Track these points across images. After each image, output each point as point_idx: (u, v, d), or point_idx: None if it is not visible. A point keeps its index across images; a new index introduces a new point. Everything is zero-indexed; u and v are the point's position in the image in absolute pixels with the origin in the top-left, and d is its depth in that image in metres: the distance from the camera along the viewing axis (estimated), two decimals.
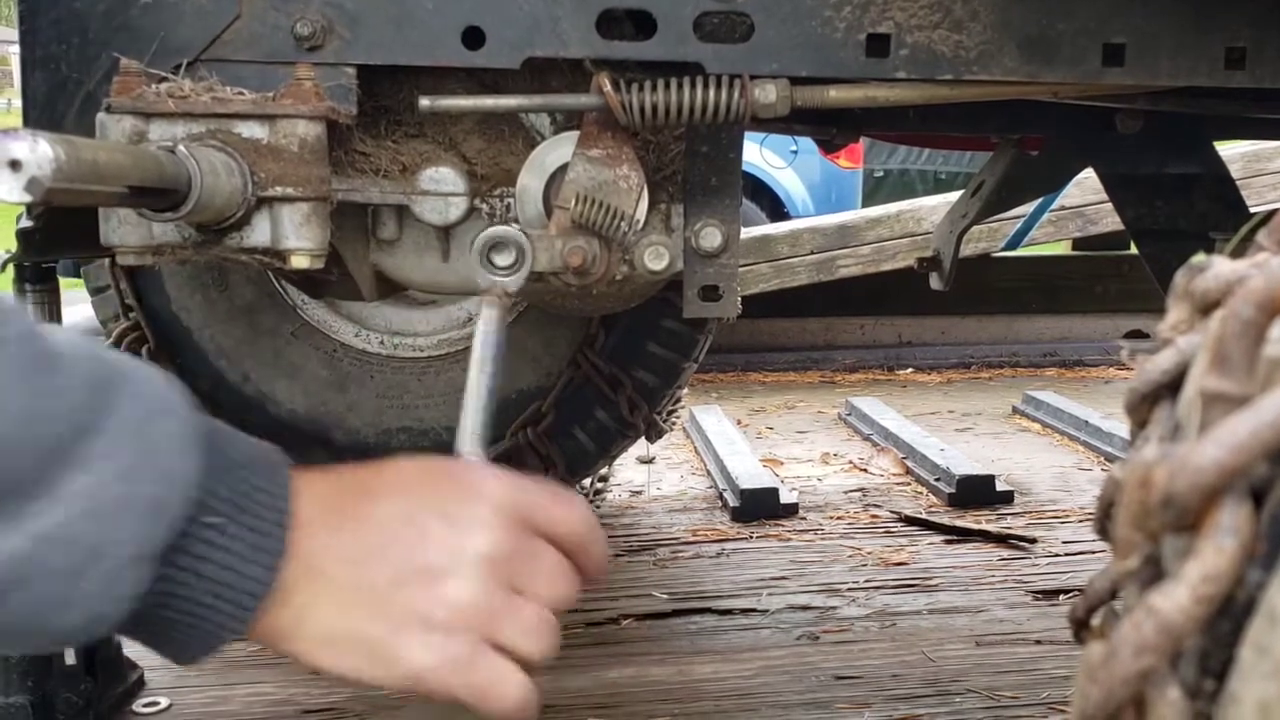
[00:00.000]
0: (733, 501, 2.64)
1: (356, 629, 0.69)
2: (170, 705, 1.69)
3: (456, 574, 0.69)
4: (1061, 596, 2.11)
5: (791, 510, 2.62)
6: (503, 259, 0.86)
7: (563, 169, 1.18)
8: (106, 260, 1.97)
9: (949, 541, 2.45)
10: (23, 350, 0.54)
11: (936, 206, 4.37)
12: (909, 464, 3.02)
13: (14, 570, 0.54)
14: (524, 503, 0.72)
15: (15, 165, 0.71)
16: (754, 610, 2.05)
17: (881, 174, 8.17)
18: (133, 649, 1.82)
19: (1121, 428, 3.18)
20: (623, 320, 2.07)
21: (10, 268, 1.33)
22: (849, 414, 3.68)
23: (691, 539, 2.46)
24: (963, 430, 3.61)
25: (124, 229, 1.06)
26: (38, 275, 1.37)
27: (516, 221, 1.23)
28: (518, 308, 0.94)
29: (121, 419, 0.57)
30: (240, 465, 0.64)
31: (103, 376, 0.57)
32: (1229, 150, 3.99)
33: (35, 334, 0.56)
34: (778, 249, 4.37)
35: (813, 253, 4.39)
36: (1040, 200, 4.24)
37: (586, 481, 2.57)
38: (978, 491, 2.71)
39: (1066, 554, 2.35)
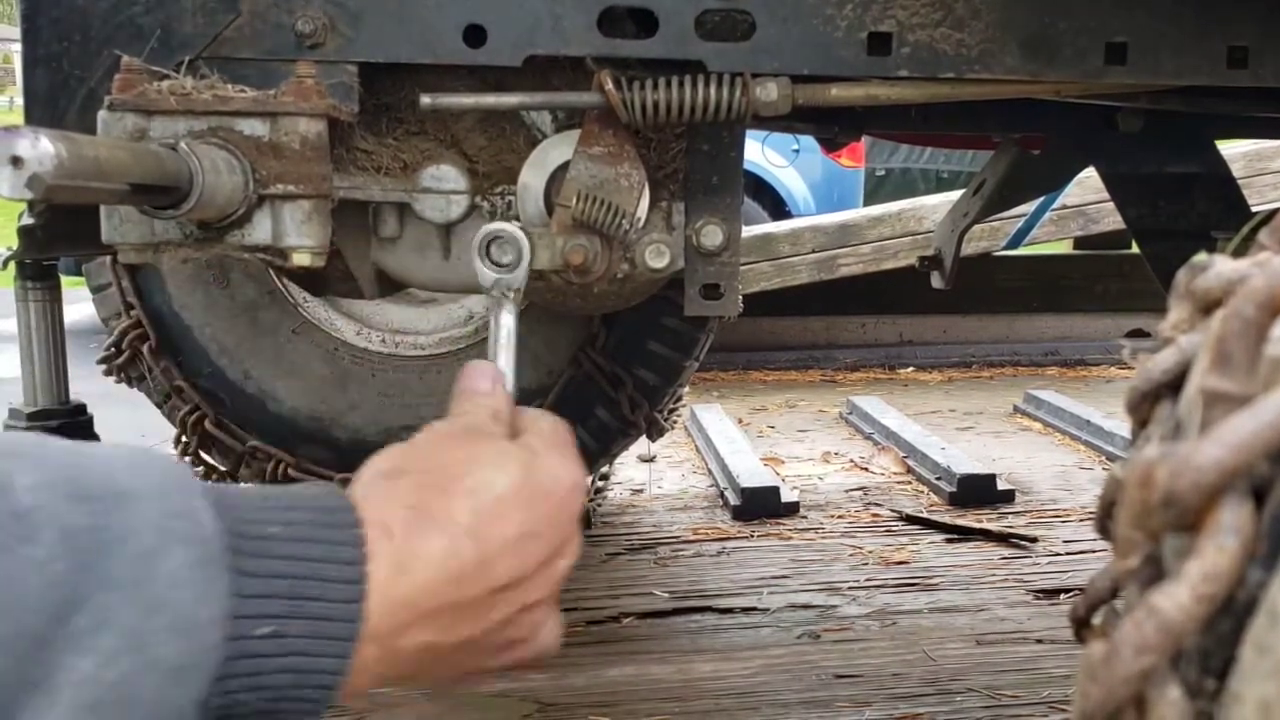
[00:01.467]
0: (734, 500, 2.64)
1: (448, 663, 0.63)
2: None
3: (540, 592, 0.66)
4: (1062, 595, 2.11)
5: (792, 509, 2.62)
6: (503, 255, 0.86)
7: (564, 167, 1.18)
8: (108, 258, 1.97)
9: (950, 540, 2.45)
10: None
11: (938, 205, 4.37)
12: (910, 463, 3.02)
13: None
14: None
15: (17, 162, 0.71)
16: (754, 609, 2.05)
17: (883, 173, 8.17)
18: None
19: (1123, 427, 3.18)
20: (624, 318, 2.06)
21: (12, 265, 1.33)
22: (850, 413, 3.68)
23: (692, 537, 2.46)
24: (964, 429, 3.60)
25: (125, 226, 1.06)
26: (39, 273, 1.37)
27: (517, 219, 1.23)
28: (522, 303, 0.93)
29: (114, 573, 0.48)
30: (293, 543, 0.54)
31: (82, 525, 0.47)
32: (1230, 149, 3.99)
33: None
34: (779, 247, 4.37)
35: (814, 251, 4.38)
36: (1042, 199, 4.24)
37: (588, 480, 2.57)
38: (979, 490, 2.71)
39: (1067, 553, 2.35)
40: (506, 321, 0.84)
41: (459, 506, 0.62)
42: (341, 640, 0.54)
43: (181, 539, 0.50)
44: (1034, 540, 2.41)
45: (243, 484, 0.58)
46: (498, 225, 0.85)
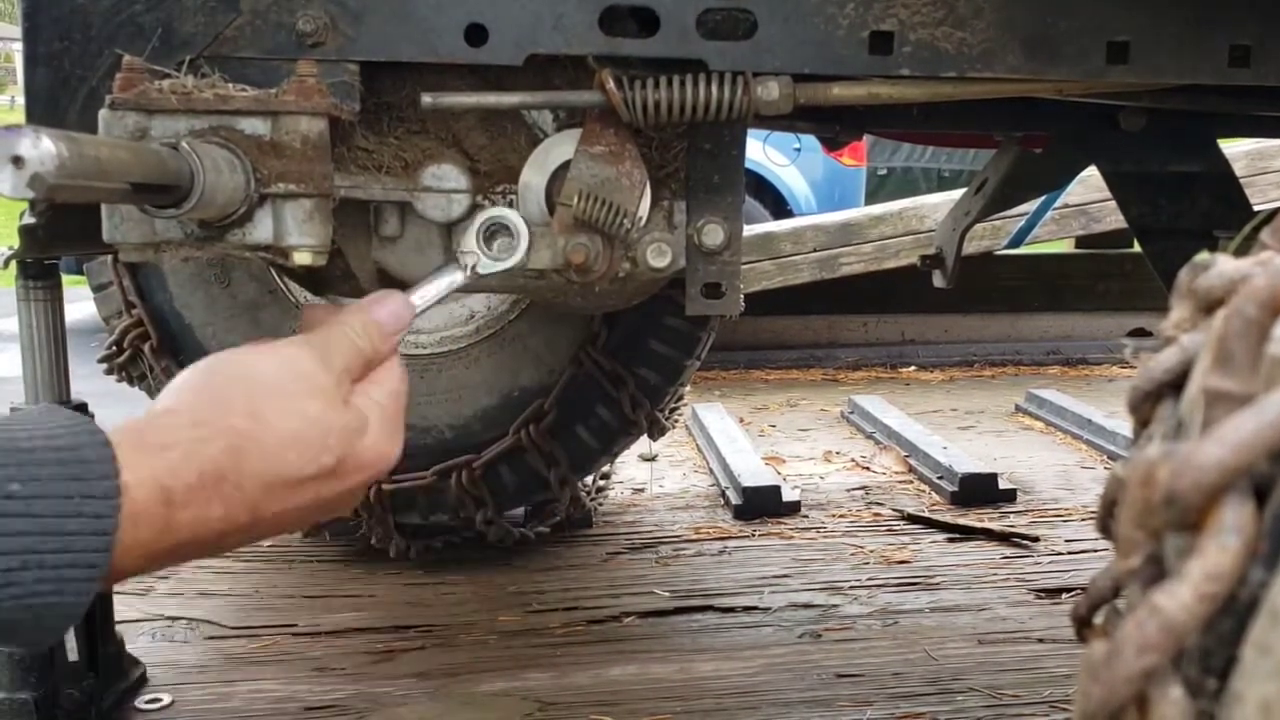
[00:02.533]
0: (735, 499, 2.64)
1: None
2: (172, 702, 1.69)
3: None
4: (1064, 595, 2.11)
5: (794, 508, 2.62)
6: (498, 243, 0.87)
7: (565, 166, 1.18)
8: (109, 257, 1.97)
9: (951, 540, 2.45)
10: None
11: (939, 204, 4.37)
12: (911, 462, 3.02)
13: None
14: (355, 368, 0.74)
15: (18, 161, 0.71)
16: (756, 608, 2.05)
17: (885, 172, 8.17)
18: (135, 646, 1.83)
19: (1124, 426, 3.18)
20: (625, 318, 2.06)
21: (13, 264, 1.33)
22: (851, 412, 3.68)
23: (694, 537, 2.46)
24: (965, 428, 3.60)
25: (126, 225, 1.06)
26: (40, 272, 1.37)
27: None
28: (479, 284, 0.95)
29: None
30: (25, 504, 0.58)
31: None
32: (1232, 148, 3.99)
33: None
34: (781, 246, 4.37)
35: (816, 250, 4.38)
36: (1043, 198, 4.24)
37: (589, 479, 2.58)
38: (980, 490, 2.71)
39: (1069, 552, 2.35)
40: (450, 281, 0.86)
41: (253, 479, 0.67)
42: (82, 582, 0.59)
43: None
44: (1036, 540, 2.41)
45: (9, 422, 0.61)
46: (505, 213, 0.86)
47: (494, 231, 0.87)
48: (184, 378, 0.72)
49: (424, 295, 0.85)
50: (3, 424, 0.60)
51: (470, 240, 0.88)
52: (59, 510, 0.59)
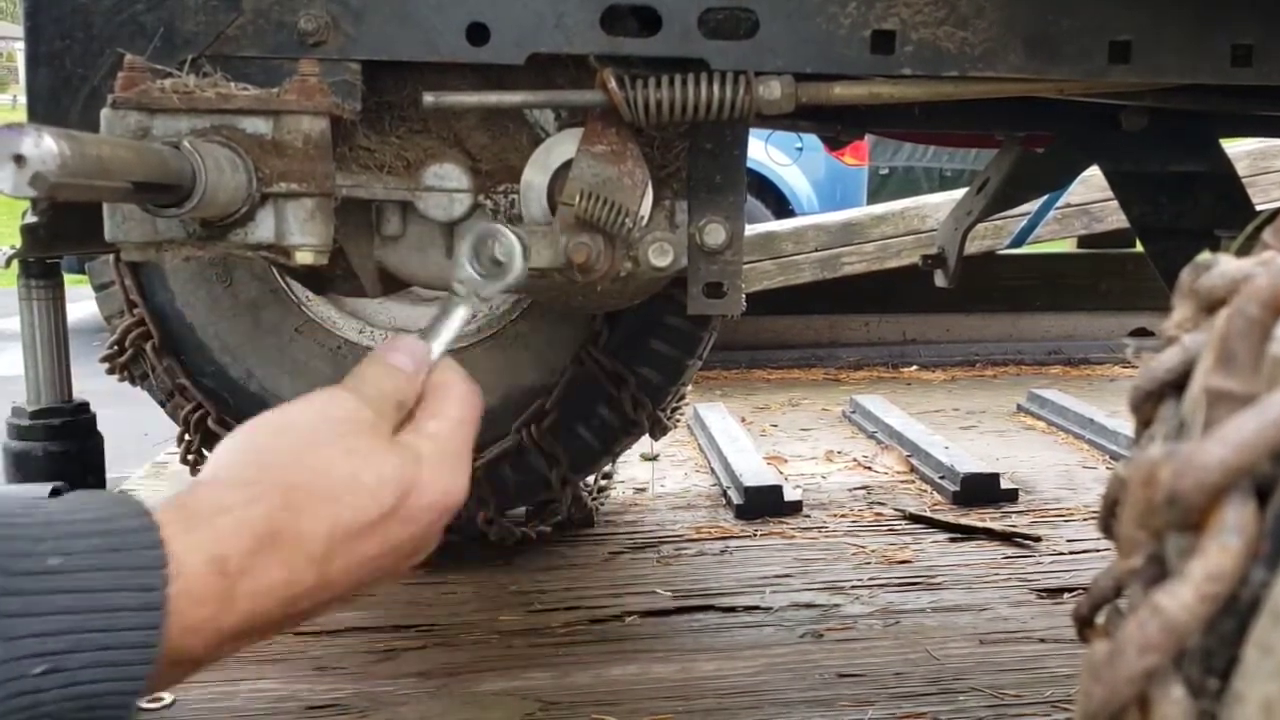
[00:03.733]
0: (736, 499, 2.64)
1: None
2: (174, 701, 1.69)
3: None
4: (1065, 595, 2.11)
5: (795, 508, 2.62)
6: (490, 259, 0.81)
7: (567, 165, 1.18)
8: (110, 256, 1.97)
9: (953, 540, 2.44)
10: None
11: (941, 204, 4.37)
12: (913, 462, 3.02)
13: None
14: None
15: (20, 160, 0.71)
16: (757, 608, 2.05)
17: (886, 171, 8.16)
18: None
19: (1126, 426, 3.18)
20: (627, 317, 2.06)
21: (15, 264, 1.33)
22: (853, 412, 3.68)
23: (695, 536, 2.46)
24: (967, 428, 3.60)
25: (128, 225, 1.06)
26: (42, 271, 1.37)
27: (520, 218, 1.23)
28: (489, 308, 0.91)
29: None
30: (66, 577, 0.53)
31: None
32: (1235, 148, 3.98)
33: None
34: (782, 246, 4.36)
35: (817, 250, 4.38)
36: (1045, 198, 4.23)
37: (591, 479, 2.57)
38: (982, 489, 2.71)
39: (1070, 552, 2.35)
40: (458, 318, 0.80)
41: (312, 532, 0.61)
42: (136, 665, 0.53)
43: None
44: (1037, 539, 2.41)
45: (44, 500, 0.55)
46: (493, 226, 0.81)
47: (483, 247, 0.81)
48: (221, 448, 0.65)
49: (439, 337, 0.80)
50: (31, 504, 0.55)
51: (464, 266, 0.81)
52: (104, 584, 0.53)
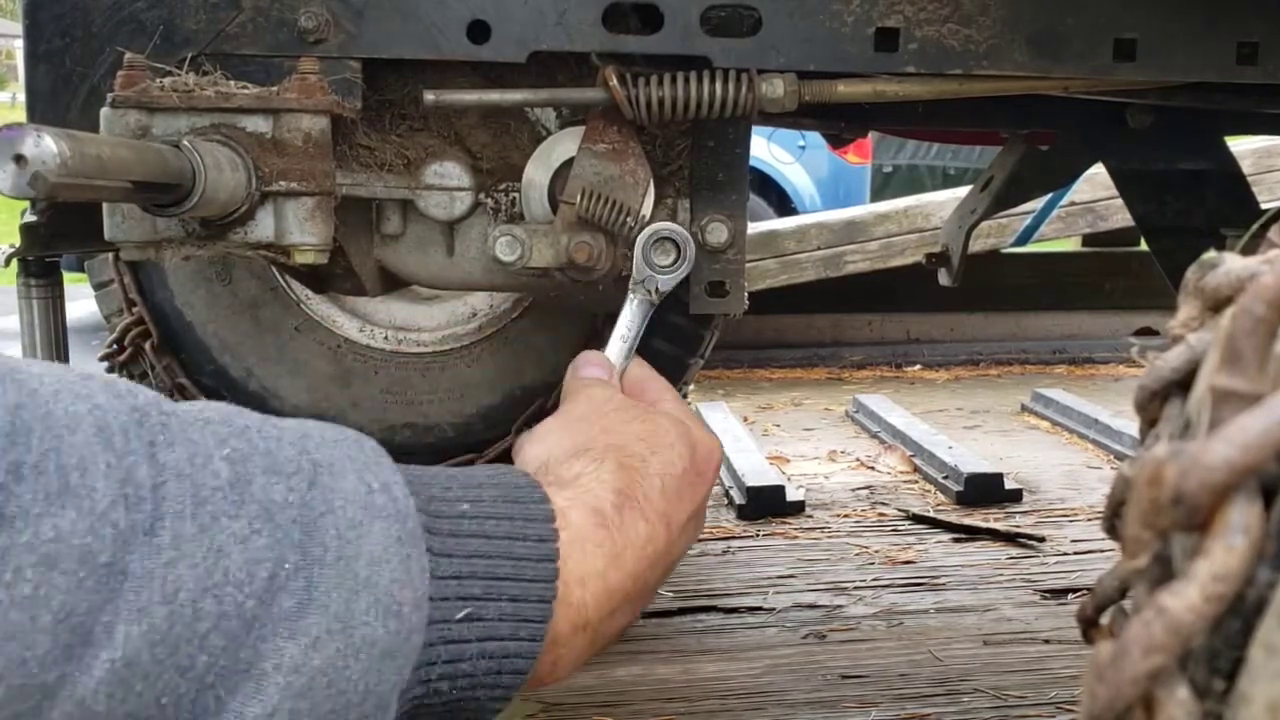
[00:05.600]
0: (739, 499, 2.63)
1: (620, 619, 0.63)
2: None
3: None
4: (1070, 595, 2.10)
5: (798, 508, 2.62)
6: (663, 257, 0.90)
7: (568, 164, 1.18)
8: (110, 255, 1.97)
9: (957, 540, 2.44)
10: (193, 492, 0.43)
11: (945, 202, 4.36)
12: (917, 462, 3.01)
13: None
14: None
15: (20, 160, 0.71)
16: (760, 609, 2.04)
17: (890, 169, 8.16)
18: None
19: (1131, 426, 3.17)
20: None
21: (14, 262, 1.33)
22: (856, 411, 3.68)
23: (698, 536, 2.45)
24: (971, 428, 3.60)
25: (127, 224, 1.06)
26: (41, 270, 1.37)
27: (522, 217, 1.23)
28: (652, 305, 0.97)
29: (320, 551, 0.45)
30: (485, 520, 0.53)
31: (281, 500, 0.45)
32: (1240, 146, 3.98)
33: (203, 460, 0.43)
34: (785, 245, 4.36)
35: (820, 248, 4.38)
36: (1050, 196, 4.23)
37: None
38: (986, 489, 2.70)
39: (1075, 552, 2.34)
40: (635, 317, 0.89)
41: (653, 490, 0.63)
42: (536, 622, 0.53)
43: (381, 514, 0.47)
44: (1042, 540, 2.41)
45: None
46: (665, 225, 0.91)
47: (655, 246, 0.92)
48: (524, 445, 0.69)
49: (625, 339, 0.90)
50: (421, 471, 0.55)
51: (640, 264, 0.90)
52: (506, 532, 0.53)
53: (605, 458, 0.63)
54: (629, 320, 0.89)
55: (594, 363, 0.81)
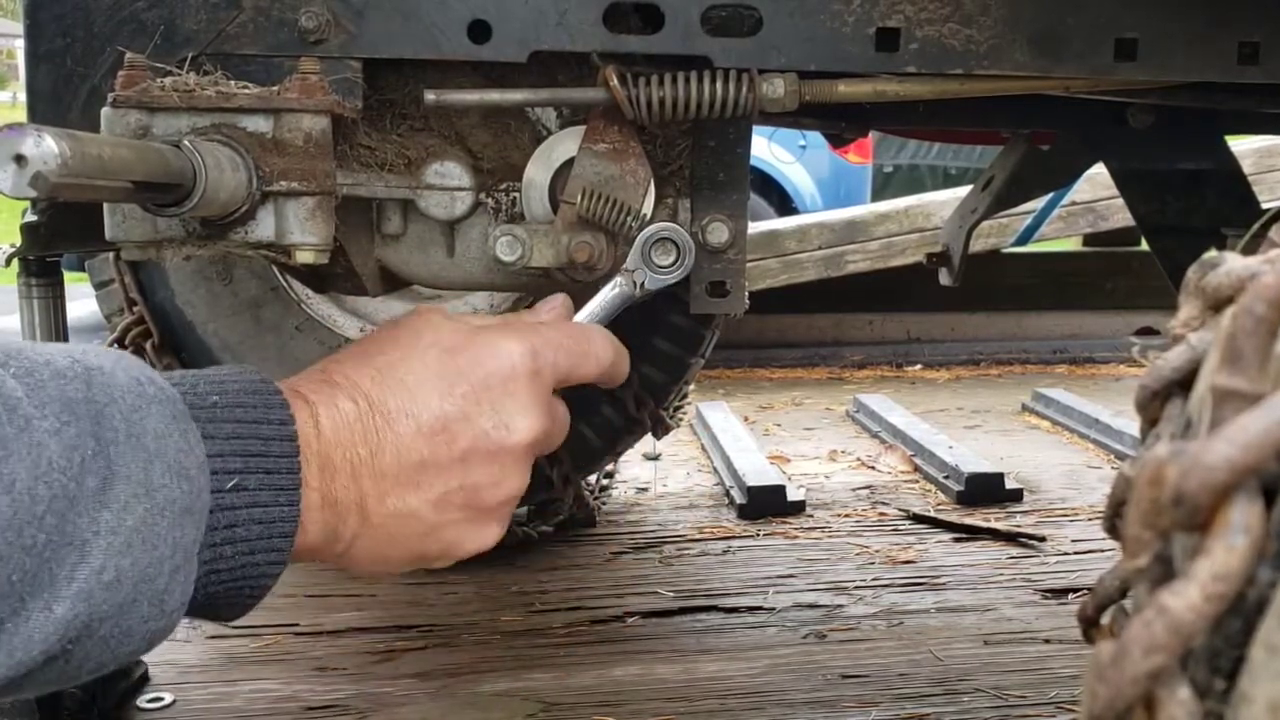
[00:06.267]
0: (739, 499, 2.63)
1: (407, 531, 0.73)
2: (174, 701, 1.69)
3: (502, 465, 0.74)
4: (1070, 595, 2.10)
5: (798, 508, 2.62)
6: (663, 257, 0.94)
7: (569, 163, 1.18)
8: (110, 254, 1.97)
9: (957, 539, 2.44)
10: (10, 414, 0.50)
11: (946, 202, 4.36)
12: (917, 461, 3.01)
13: (68, 632, 0.51)
14: (555, 366, 0.81)
15: (20, 160, 0.70)
16: (760, 608, 2.04)
17: (891, 169, 8.16)
18: None
19: (1132, 425, 3.18)
20: (629, 315, 2.06)
21: (14, 262, 1.33)
22: (857, 411, 3.68)
23: (698, 536, 2.45)
24: (971, 427, 3.60)
25: (128, 223, 1.06)
26: (42, 269, 1.37)
27: (522, 217, 1.22)
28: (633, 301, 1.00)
29: (112, 434, 0.54)
30: (233, 409, 0.62)
31: (75, 396, 0.53)
32: (1241, 145, 3.98)
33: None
34: (786, 244, 4.36)
35: (821, 248, 4.38)
36: (1050, 196, 4.23)
37: (593, 478, 2.57)
38: (986, 489, 2.70)
39: (1076, 552, 2.34)
40: (609, 302, 0.94)
41: (364, 373, 0.72)
42: (291, 490, 0.62)
43: (155, 399, 0.57)
44: (1042, 539, 2.41)
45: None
46: (667, 226, 0.96)
47: (656, 245, 0.96)
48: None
49: (591, 313, 0.95)
50: (172, 373, 0.64)
51: (636, 257, 0.95)
52: (252, 417, 0.62)
53: (344, 354, 0.74)
54: (601, 302, 0.93)
55: (549, 303, 0.90)
